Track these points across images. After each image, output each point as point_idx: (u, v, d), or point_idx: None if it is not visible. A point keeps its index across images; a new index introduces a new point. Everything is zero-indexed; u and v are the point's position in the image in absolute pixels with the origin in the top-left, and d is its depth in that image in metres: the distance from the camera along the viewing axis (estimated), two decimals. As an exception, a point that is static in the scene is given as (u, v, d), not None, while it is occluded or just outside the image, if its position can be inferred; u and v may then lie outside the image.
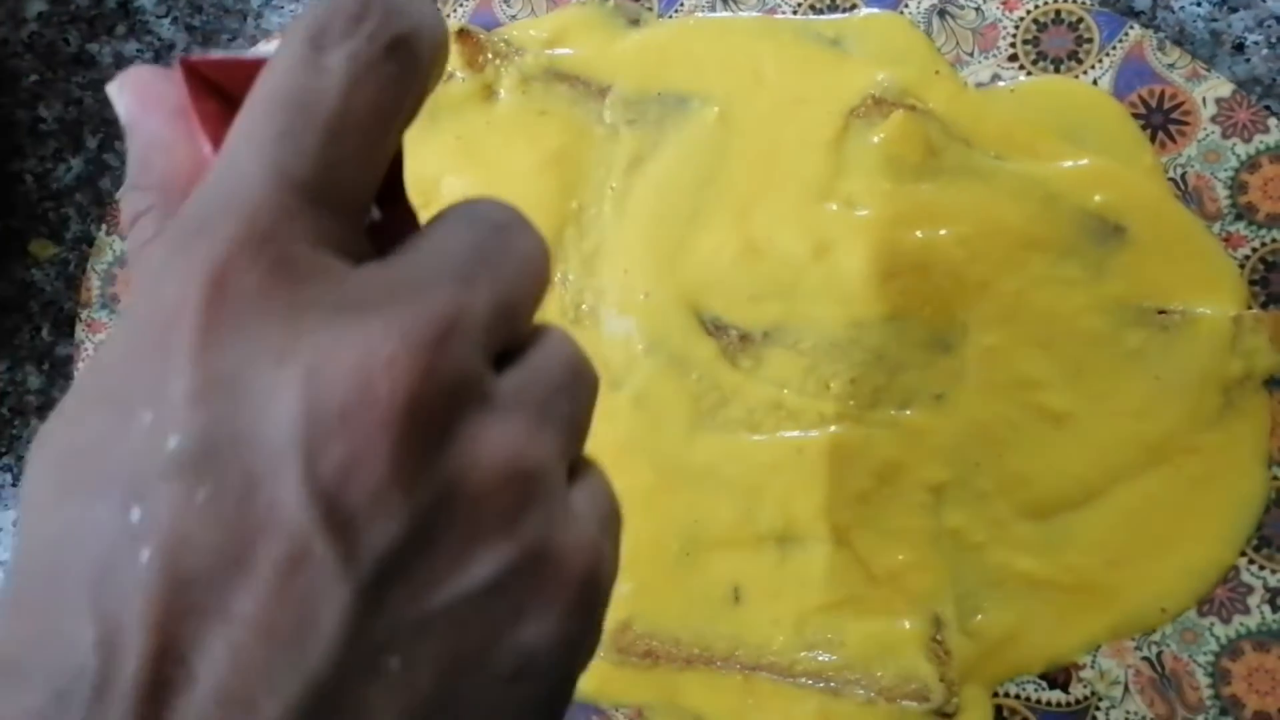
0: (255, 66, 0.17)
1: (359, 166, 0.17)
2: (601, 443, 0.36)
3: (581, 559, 0.17)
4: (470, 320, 0.16)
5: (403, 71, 0.17)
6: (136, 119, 0.19)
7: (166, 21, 0.46)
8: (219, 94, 0.18)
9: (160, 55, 0.45)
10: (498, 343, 0.17)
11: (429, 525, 0.16)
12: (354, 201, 0.17)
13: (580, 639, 0.17)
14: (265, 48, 0.17)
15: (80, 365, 0.40)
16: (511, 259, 0.18)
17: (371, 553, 0.15)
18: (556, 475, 0.17)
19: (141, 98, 0.19)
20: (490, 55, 0.40)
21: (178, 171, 0.18)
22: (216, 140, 0.18)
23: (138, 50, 0.46)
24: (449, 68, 0.40)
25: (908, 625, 0.34)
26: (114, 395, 0.16)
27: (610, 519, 0.18)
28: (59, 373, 0.42)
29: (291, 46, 0.17)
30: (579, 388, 0.19)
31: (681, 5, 0.40)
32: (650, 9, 0.41)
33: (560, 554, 0.17)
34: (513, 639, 0.16)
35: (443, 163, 0.39)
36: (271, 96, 0.17)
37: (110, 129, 0.45)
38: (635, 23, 0.41)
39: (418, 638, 0.16)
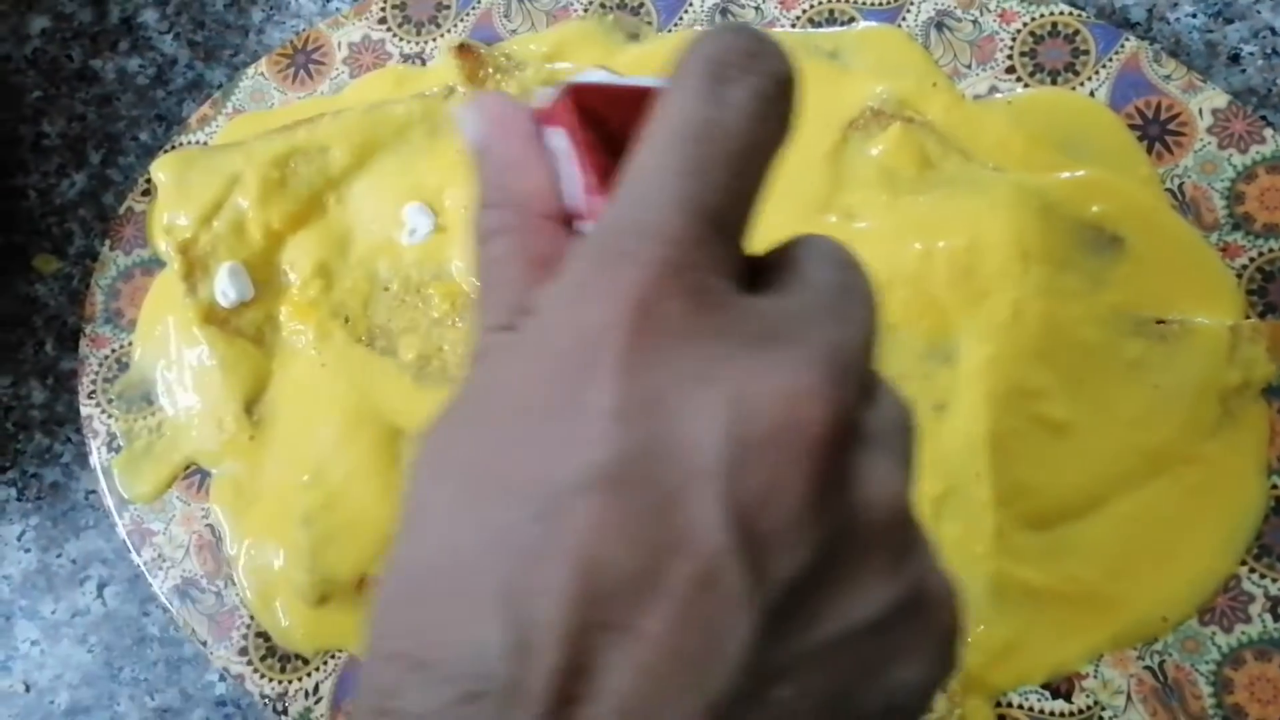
0: (638, 94, 0.18)
1: (753, 198, 0.18)
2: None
3: (950, 605, 0.17)
4: (857, 358, 0.17)
5: (791, 105, 0.18)
6: (490, 142, 0.19)
7: (169, 37, 0.46)
8: (590, 116, 0.19)
9: (163, 71, 0.46)
10: (867, 380, 0.18)
11: (831, 557, 0.16)
12: (744, 231, 0.18)
13: (937, 685, 0.17)
14: (638, 79, 0.19)
15: (84, 379, 0.40)
16: (868, 299, 0.18)
17: (779, 580, 0.15)
18: (919, 521, 0.18)
19: (494, 122, 0.19)
20: (491, 70, 0.40)
21: (532, 192, 0.19)
22: (592, 163, 0.18)
23: (140, 66, 0.46)
24: (450, 83, 0.40)
25: (910, 635, 0.34)
26: (527, 407, 0.16)
27: (957, 589, 0.19)
28: (63, 387, 0.42)
29: (691, 80, 0.17)
30: (913, 432, 0.19)
31: (681, 19, 0.41)
32: (650, 23, 0.41)
33: (933, 598, 0.17)
34: (886, 678, 0.17)
35: (445, 176, 0.39)
36: (677, 128, 0.17)
37: (113, 144, 0.45)
38: (635, 37, 0.41)
39: (807, 670, 0.16)
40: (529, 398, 0.16)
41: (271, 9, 0.46)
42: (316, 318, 0.39)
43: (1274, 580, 0.34)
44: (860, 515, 0.16)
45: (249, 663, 0.36)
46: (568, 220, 0.19)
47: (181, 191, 0.39)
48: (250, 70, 0.42)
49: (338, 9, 0.45)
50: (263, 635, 0.37)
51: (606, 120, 0.19)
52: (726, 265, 0.17)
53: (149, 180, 0.41)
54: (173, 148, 0.42)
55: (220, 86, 0.44)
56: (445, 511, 0.16)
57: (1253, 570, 0.34)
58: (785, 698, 0.16)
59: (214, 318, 0.39)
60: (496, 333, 0.18)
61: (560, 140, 0.19)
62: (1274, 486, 0.34)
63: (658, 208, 0.17)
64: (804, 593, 0.16)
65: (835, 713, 0.16)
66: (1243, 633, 0.34)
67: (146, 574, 0.38)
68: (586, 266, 0.17)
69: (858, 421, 0.17)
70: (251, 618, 0.37)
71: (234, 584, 0.37)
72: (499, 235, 0.19)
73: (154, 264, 0.41)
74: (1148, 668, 0.34)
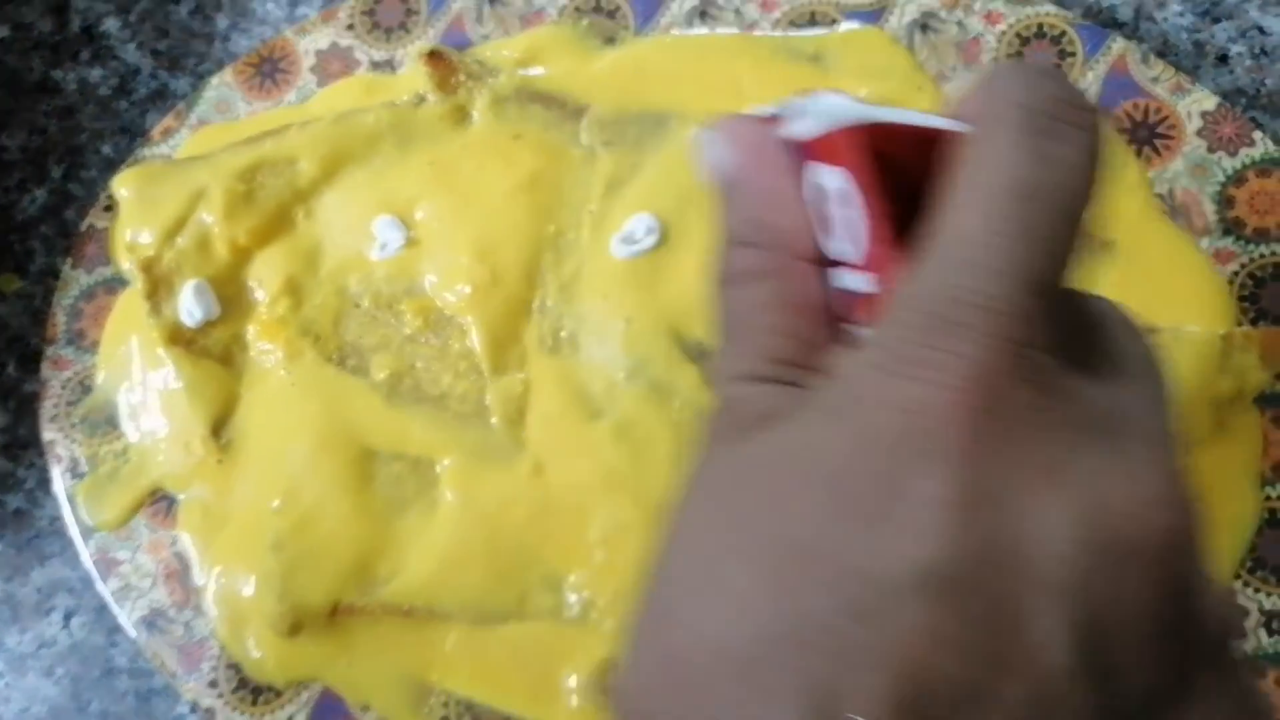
0: (927, 135, 0.16)
1: (1071, 264, 0.16)
2: (582, 477, 0.35)
3: None
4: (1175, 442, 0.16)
5: (1103, 159, 0.16)
6: (745, 173, 0.18)
7: (132, 46, 0.45)
8: (876, 158, 0.17)
9: (125, 81, 0.44)
10: None
11: (1177, 678, 0.15)
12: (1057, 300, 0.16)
13: None
14: (926, 118, 0.17)
15: (46, 403, 0.39)
16: (1165, 376, 0.18)
17: (1124, 707, 0.14)
18: None
19: (749, 151, 0.18)
20: (463, 77, 0.39)
21: (790, 232, 0.18)
22: (883, 211, 0.17)
23: (102, 76, 0.44)
24: (420, 91, 0.39)
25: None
26: (845, 488, 0.15)
27: None
28: (25, 410, 0.40)
29: (1011, 132, 0.16)
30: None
31: (658, 22, 0.40)
32: (626, 27, 0.40)
33: None
34: None
35: (416, 188, 0.38)
36: (1004, 186, 0.16)
37: (75, 157, 0.44)
38: (611, 41, 0.40)
39: None
40: (848, 478, 0.15)
41: (237, 16, 0.45)
42: (285, 336, 0.38)
43: (1269, 594, 0.33)
44: (1203, 631, 0.15)
45: (220, 695, 0.35)
46: (823, 265, 0.18)
47: (144, 207, 0.38)
48: (214, 80, 0.41)
49: (305, 15, 0.44)
50: (234, 667, 0.35)
51: (890, 163, 0.17)
52: (1055, 341, 0.15)
53: (111, 196, 0.40)
54: (135, 161, 0.41)
55: (185, 96, 0.43)
56: (741, 592, 0.15)
57: (1247, 584, 0.33)
58: None
59: (179, 338, 0.38)
60: (763, 386, 0.17)
61: (834, 180, 0.17)
62: (1267, 498, 0.34)
63: (995, 276, 0.15)
64: (1149, 716, 0.15)
65: None
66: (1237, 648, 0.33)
67: (113, 605, 0.37)
68: (913, 335, 0.15)
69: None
70: (222, 649, 0.36)
71: (203, 614, 0.36)
72: (756, 278, 0.17)
73: (117, 283, 0.39)
74: (1142, 686, 0.33)
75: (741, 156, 0.18)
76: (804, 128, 0.17)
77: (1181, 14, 0.40)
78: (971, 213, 0.16)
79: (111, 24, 0.45)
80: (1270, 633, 0.33)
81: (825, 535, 0.14)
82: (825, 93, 0.18)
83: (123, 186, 0.38)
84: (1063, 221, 0.16)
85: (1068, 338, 0.16)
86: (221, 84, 0.41)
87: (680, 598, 0.15)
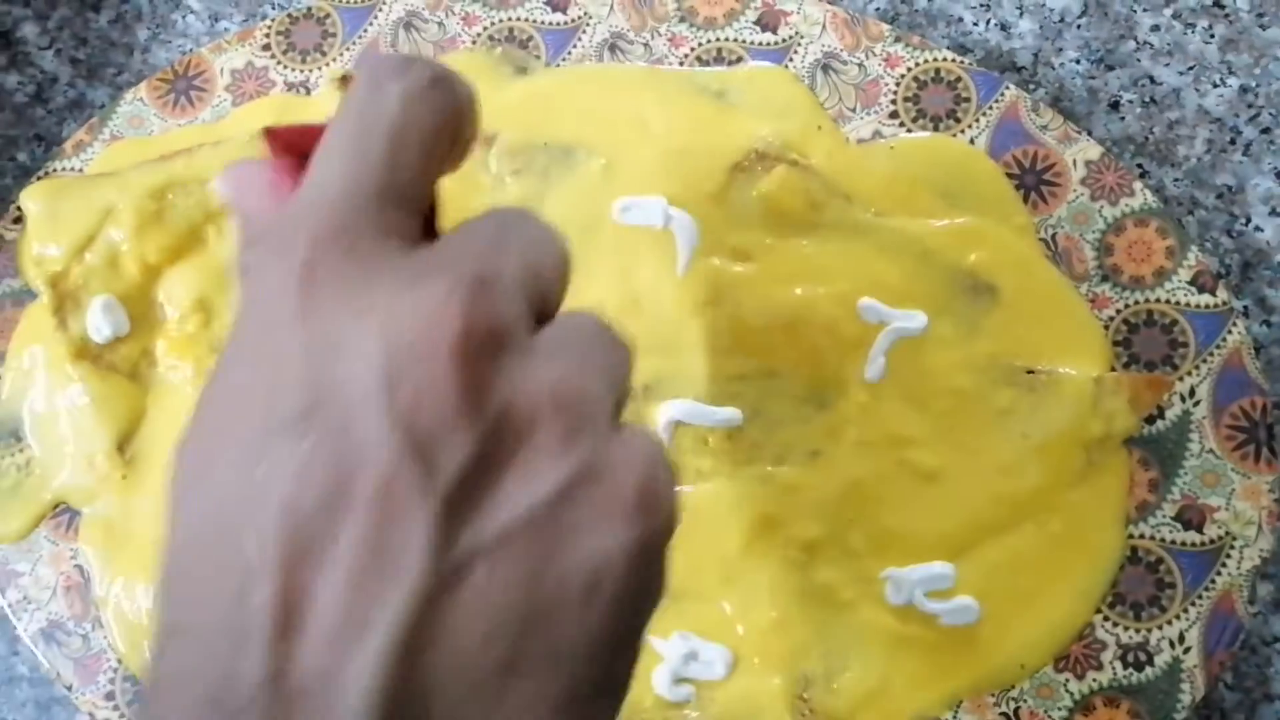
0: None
1: (415, 171, 0.21)
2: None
3: (635, 473, 0.19)
4: (504, 275, 0.19)
5: (444, 99, 0.22)
6: (239, 199, 0.22)
7: (50, 54, 0.45)
8: (294, 153, 0.23)
9: (43, 89, 0.44)
10: (533, 300, 0.20)
11: (494, 445, 0.18)
12: (412, 200, 0.21)
13: (642, 561, 0.19)
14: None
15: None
16: (530, 232, 0.21)
17: (448, 470, 0.17)
18: (601, 406, 0.20)
19: (240, 183, 0.22)
20: (375, 102, 0.39)
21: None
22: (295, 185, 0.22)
23: (19, 83, 0.44)
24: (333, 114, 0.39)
25: (776, 683, 0.35)
26: (242, 373, 0.19)
27: (662, 454, 0.20)
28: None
29: (357, 87, 0.22)
30: (613, 346, 0.21)
31: (569, 54, 0.40)
32: (538, 57, 0.41)
33: (614, 468, 0.19)
34: (578, 549, 0.18)
35: (326, 211, 0.39)
36: (343, 120, 0.21)
37: (-10, 164, 0.44)
38: (523, 71, 0.40)
39: (497, 549, 0.18)
40: (241, 366, 0.19)
41: (158, 28, 0.45)
42: (195, 353, 0.38)
43: (1125, 628, 0.35)
44: (519, 405, 0.18)
45: (116, 708, 0.36)
46: None
47: (52, 222, 0.38)
48: (129, 95, 0.41)
49: (226, 29, 0.44)
50: (131, 679, 0.36)
51: (307, 153, 0.22)
52: (390, 227, 0.20)
53: (20, 207, 0.40)
54: (45, 175, 0.41)
55: (103, 106, 0.43)
56: (193, 482, 0.19)
57: (1106, 618, 0.35)
58: (481, 582, 0.17)
59: (86, 353, 0.38)
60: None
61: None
62: (1130, 536, 0.35)
63: (324, 186, 0.20)
64: (476, 481, 0.18)
65: (533, 590, 0.18)
66: (1094, 680, 0.34)
67: (11, 616, 0.37)
68: (267, 248, 0.20)
69: (515, 328, 0.19)
70: (120, 661, 0.36)
71: (102, 626, 0.37)
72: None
73: (25, 295, 0.40)
74: (1004, 714, 0.35)
75: (234, 188, 0.23)
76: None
77: (1077, 60, 0.42)
78: (324, 144, 0.21)
79: (29, 30, 0.45)
80: (1125, 665, 0.34)
81: (234, 406, 0.19)
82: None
83: (31, 200, 0.39)
84: (391, 135, 0.21)
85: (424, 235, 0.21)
86: (136, 99, 0.41)
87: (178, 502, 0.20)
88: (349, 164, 0.20)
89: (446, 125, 0.22)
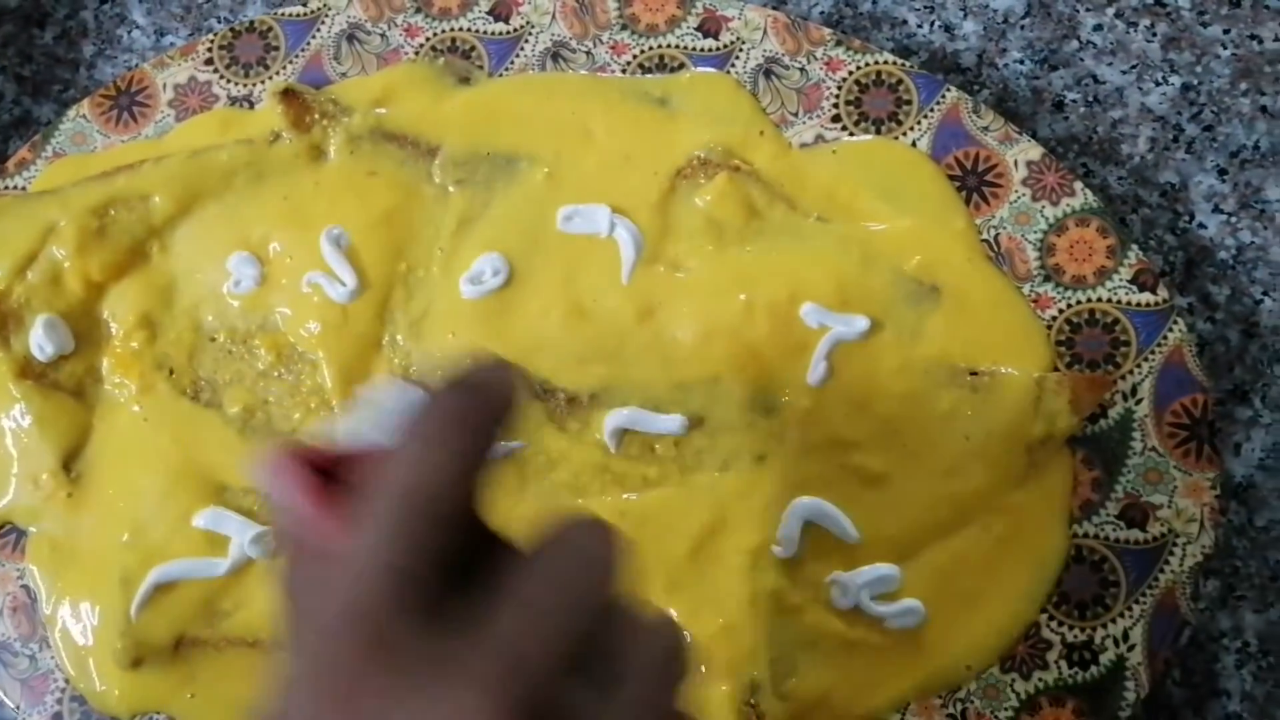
0: (361, 459, 0.21)
1: (459, 534, 0.20)
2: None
3: None
4: (545, 663, 0.19)
5: (496, 445, 0.21)
6: (279, 496, 0.21)
7: (-5, 72, 0.45)
8: (320, 470, 0.21)
9: (-12, 107, 0.44)
10: (585, 642, 0.19)
11: None
12: (453, 556, 0.20)
13: None
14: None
15: None
16: (572, 562, 0.20)
17: None
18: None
19: (279, 481, 0.21)
20: (317, 115, 0.39)
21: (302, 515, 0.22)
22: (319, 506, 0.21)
23: (-35, 102, 0.44)
24: (276, 129, 0.39)
25: (724, 689, 0.34)
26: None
27: None
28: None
29: (406, 445, 0.20)
30: (679, 678, 0.21)
31: (512, 63, 0.40)
32: (481, 67, 0.40)
33: None
34: None
35: (269, 225, 0.39)
36: (389, 491, 0.20)
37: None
38: (465, 81, 0.40)
39: None
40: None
41: (103, 43, 0.45)
42: (140, 370, 0.38)
43: (1070, 627, 0.35)
44: None
45: (63, 728, 0.36)
46: None
47: (-7, 242, 0.38)
48: (72, 112, 0.41)
49: (172, 44, 0.44)
50: (78, 699, 0.36)
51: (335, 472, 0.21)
52: (433, 596, 0.19)
53: (-36, 227, 0.40)
54: (-12, 194, 0.41)
55: (49, 123, 0.43)
56: None
57: (1052, 618, 0.35)
58: None
59: (30, 372, 0.38)
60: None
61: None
62: (1074, 535, 0.35)
63: (365, 560, 0.19)
64: None
65: None
66: (1040, 679, 0.35)
67: (-43, 638, 0.37)
68: (314, 610, 0.20)
69: (565, 707, 0.19)
70: (67, 681, 0.36)
71: (49, 647, 0.36)
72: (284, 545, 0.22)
73: (-31, 314, 0.40)
74: (950, 716, 0.35)
75: (272, 478, 0.22)
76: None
77: (1021, 61, 0.42)
78: (364, 515, 0.20)
79: (-25, 49, 0.45)
80: (1070, 664, 0.35)
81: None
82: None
83: (-28, 220, 0.39)
84: (441, 515, 0.20)
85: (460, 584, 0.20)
86: (79, 116, 0.41)
87: None
88: (390, 548, 0.19)
89: (495, 466, 0.21)
